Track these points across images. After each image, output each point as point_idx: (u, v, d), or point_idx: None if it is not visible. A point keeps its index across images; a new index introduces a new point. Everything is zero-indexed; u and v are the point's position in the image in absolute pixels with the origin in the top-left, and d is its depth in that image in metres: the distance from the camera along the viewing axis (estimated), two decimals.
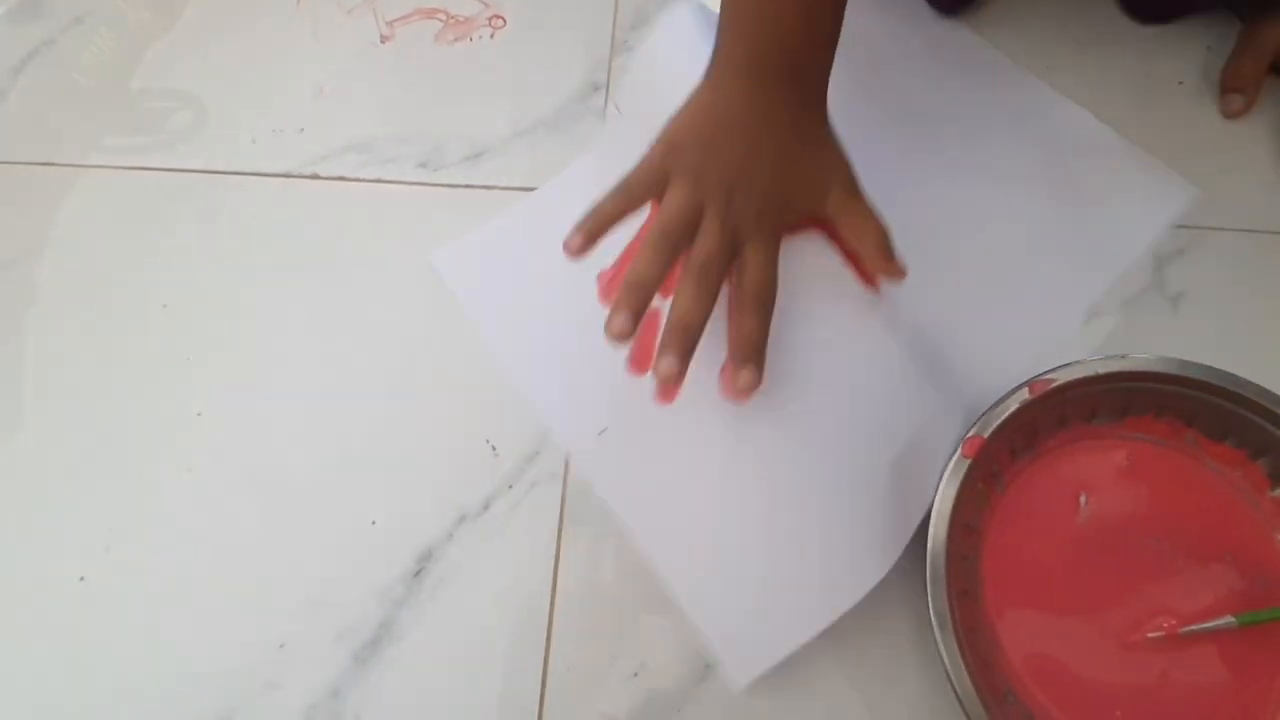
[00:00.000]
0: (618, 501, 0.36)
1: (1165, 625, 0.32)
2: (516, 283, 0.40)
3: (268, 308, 0.41)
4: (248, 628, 0.35)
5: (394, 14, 0.46)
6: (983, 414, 0.34)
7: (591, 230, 0.34)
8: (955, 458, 0.34)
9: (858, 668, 0.33)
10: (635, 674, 0.33)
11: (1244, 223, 0.39)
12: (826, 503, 0.34)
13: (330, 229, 0.42)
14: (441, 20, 0.46)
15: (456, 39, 0.46)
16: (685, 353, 0.33)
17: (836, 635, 0.33)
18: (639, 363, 0.35)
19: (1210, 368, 0.33)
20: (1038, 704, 0.31)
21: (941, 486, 0.33)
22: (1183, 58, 0.44)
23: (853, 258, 0.36)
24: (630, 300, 0.32)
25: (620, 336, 0.32)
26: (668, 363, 0.32)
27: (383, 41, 0.46)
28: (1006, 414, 0.34)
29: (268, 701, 0.34)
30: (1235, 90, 0.43)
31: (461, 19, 0.46)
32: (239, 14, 0.47)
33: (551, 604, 0.35)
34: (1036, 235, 0.40)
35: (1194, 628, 0.32)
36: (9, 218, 0.43)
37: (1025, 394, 0.34)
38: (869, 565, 0.33)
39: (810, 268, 0.37)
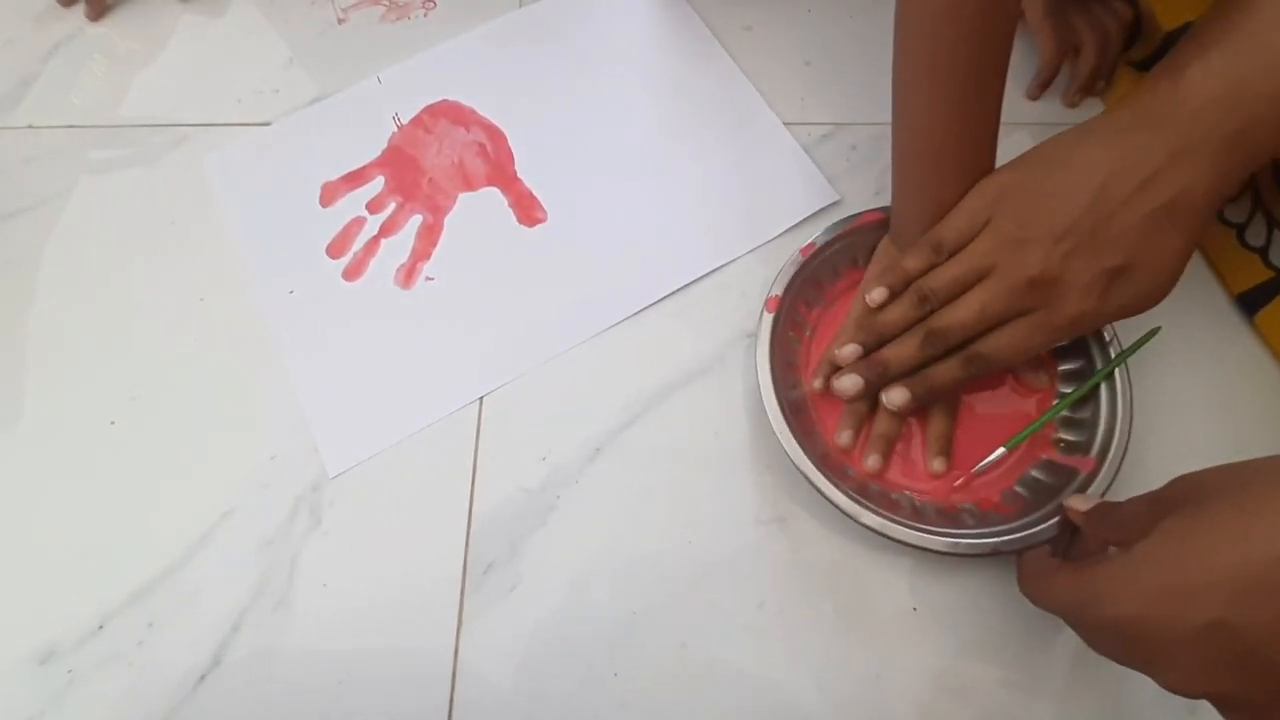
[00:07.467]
0: (287, 343, 0.47)
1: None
2: (266, 181, 0.52)
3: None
4: (246, 446, 0.45)
5: (348, 2, 0.58)
6: (774, 279, 0.42)
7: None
8: (762, 314, 0.41)
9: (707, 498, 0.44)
10: (543, 458, 0.44)
11: None
12: (433, 358, 0.46)
13: None
14: (385, 5, 0.58)
15: (398, 18, 0.58)
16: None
17: (688, 476, 0.44)
18: (337, 250, 0.49)
19: None
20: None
21: (758, 340, 0.40)
22: None
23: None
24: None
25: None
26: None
27: (339, 23, 0.58)
28: (791, 273, 0.42)
29: (262, 497, 0.44)
30: (1081, 90, 0.49)
31: (401, 3, 0.58)
32: (219, 7, 0.59)
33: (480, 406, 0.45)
34: (694, 189, 0.49)
35: (981, 466, 0.40)
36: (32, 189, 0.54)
37: (799, 256, 0.42)
38: (456, 393, 0.45)
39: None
